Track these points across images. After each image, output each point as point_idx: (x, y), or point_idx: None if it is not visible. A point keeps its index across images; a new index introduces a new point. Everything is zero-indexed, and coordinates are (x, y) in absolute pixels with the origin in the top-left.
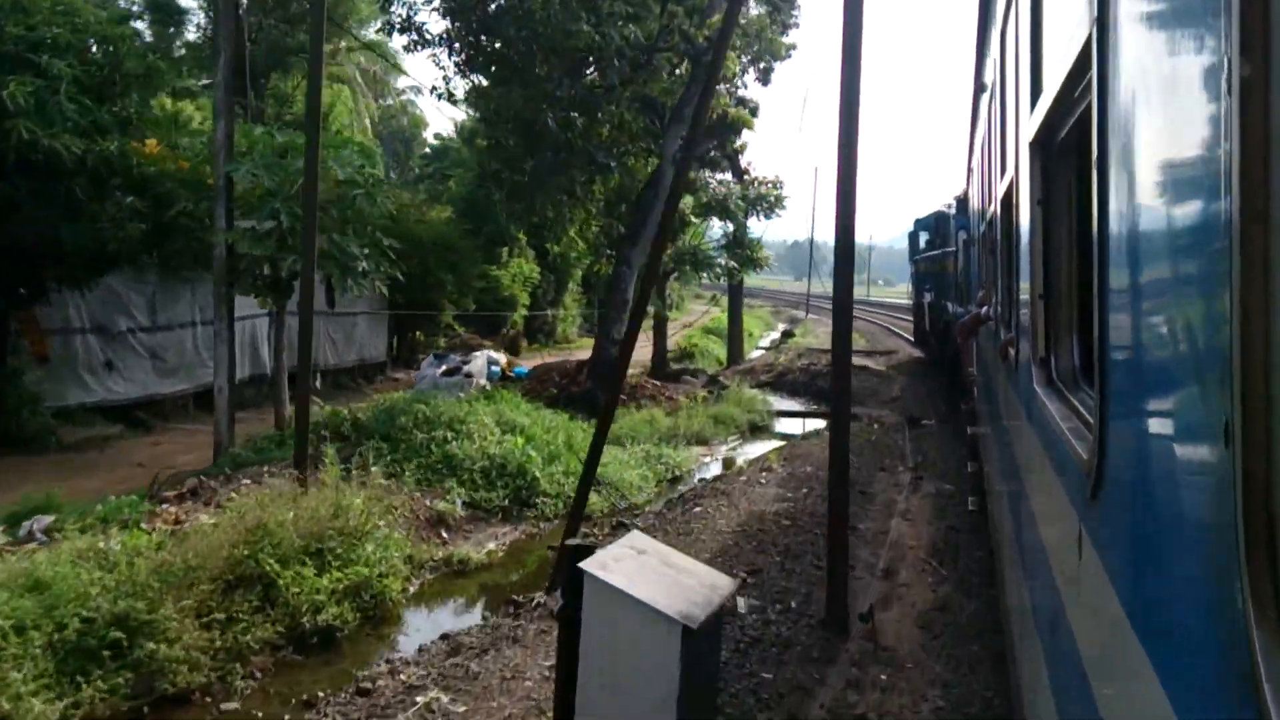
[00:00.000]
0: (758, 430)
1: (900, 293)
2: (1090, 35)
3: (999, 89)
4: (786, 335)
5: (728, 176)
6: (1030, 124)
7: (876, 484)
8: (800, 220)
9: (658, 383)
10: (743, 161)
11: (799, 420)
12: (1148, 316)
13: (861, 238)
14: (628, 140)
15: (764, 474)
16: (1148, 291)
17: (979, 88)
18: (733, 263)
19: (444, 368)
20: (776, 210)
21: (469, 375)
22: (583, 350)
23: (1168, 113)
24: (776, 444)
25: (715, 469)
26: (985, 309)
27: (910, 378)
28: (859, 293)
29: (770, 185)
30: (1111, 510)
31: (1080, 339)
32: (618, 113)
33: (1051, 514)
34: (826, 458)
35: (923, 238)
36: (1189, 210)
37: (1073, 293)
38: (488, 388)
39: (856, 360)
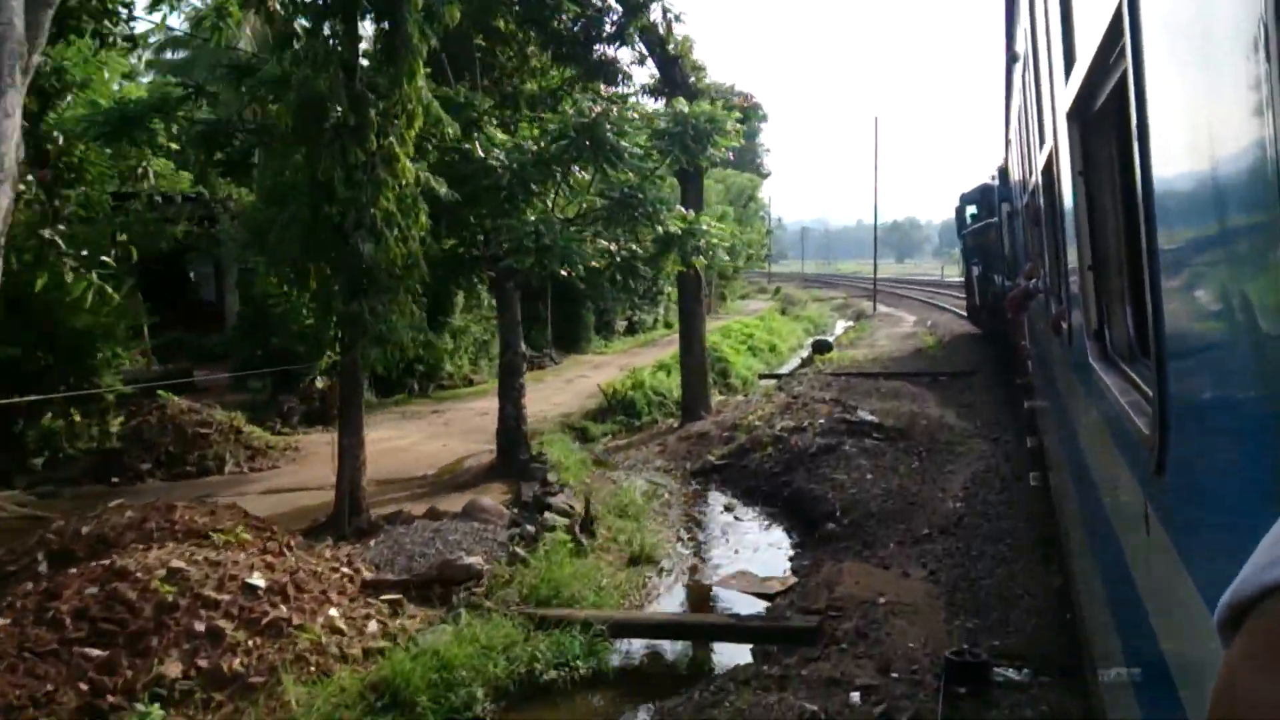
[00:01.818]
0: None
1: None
2: (1122, 1)
3: (1031, 59)
4: (821, 349)
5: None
6: (1066, 94)
7: None
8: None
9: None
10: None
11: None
12: (1201, 285)
13: (921, 214)
14: None
15: None
16: (1199, 259)
17: (1011, 57)
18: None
19: None
20: (729, 145)
21: None
22: (479, 399)
23: (1205, 77)
24: None
25: None
26: (1034, 281)
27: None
28: (911, 270)
29: (732, 101)
30: (1178, 485)
31: (1133, 310)
32: None
33: (1115, 490)
34: None
35: (969, 211)
36: (1234, 175)
37: (1122, 264)
38: None
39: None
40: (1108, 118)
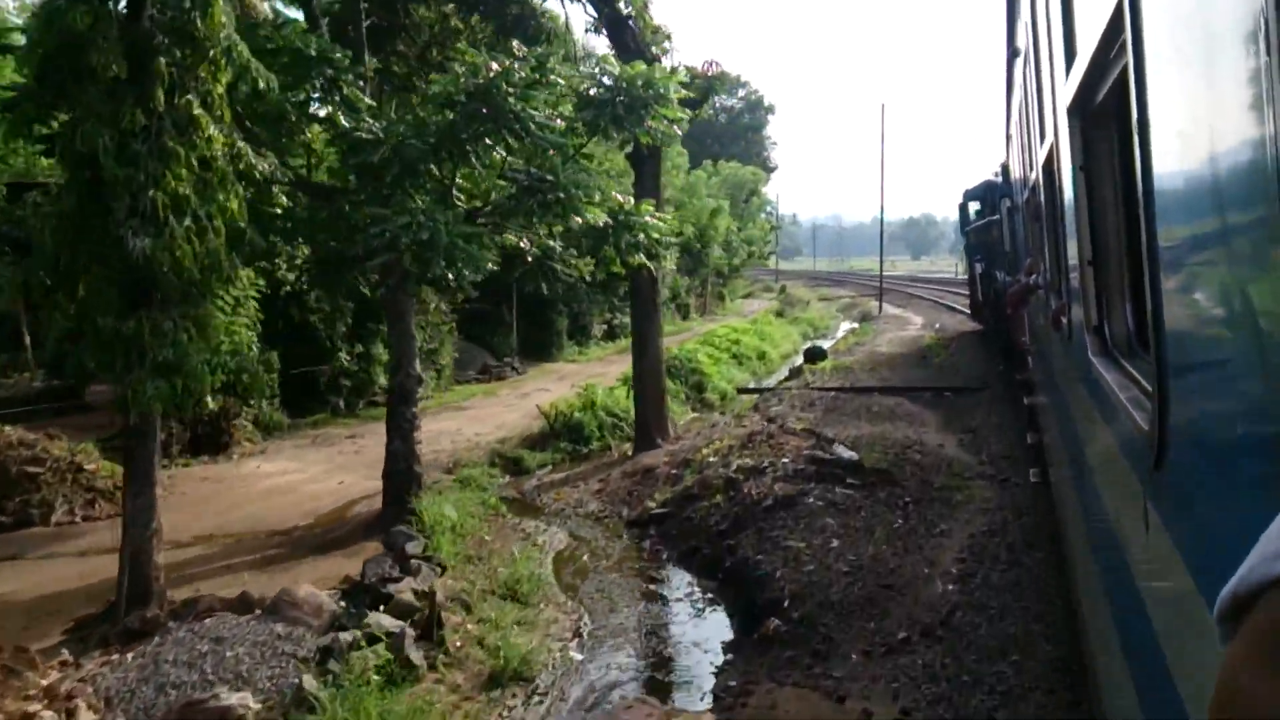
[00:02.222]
0: None
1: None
2: None
3: (1032, 53)
4: (813, 357)
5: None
6: (1067, 89)
7: None
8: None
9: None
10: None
11: None
12: (1201, 280)
13: (923, 211)
14: None
15: None
16: (1199, 254)
17: (1012, 52)
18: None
19: None
20: (674, 119)
21: None
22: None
23: (1205, 72)
24: None
25: None
26: (1034, 277)
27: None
28: (919, 267)
29: (691, 73)
30: (1177, 480)
31: (1133, 305)
32: None
33: (1115, 485)
34: None
35: (972, 208)
36: (1234, 170)
37: (1122, 259)
38: None
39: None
40: (1108, 113)
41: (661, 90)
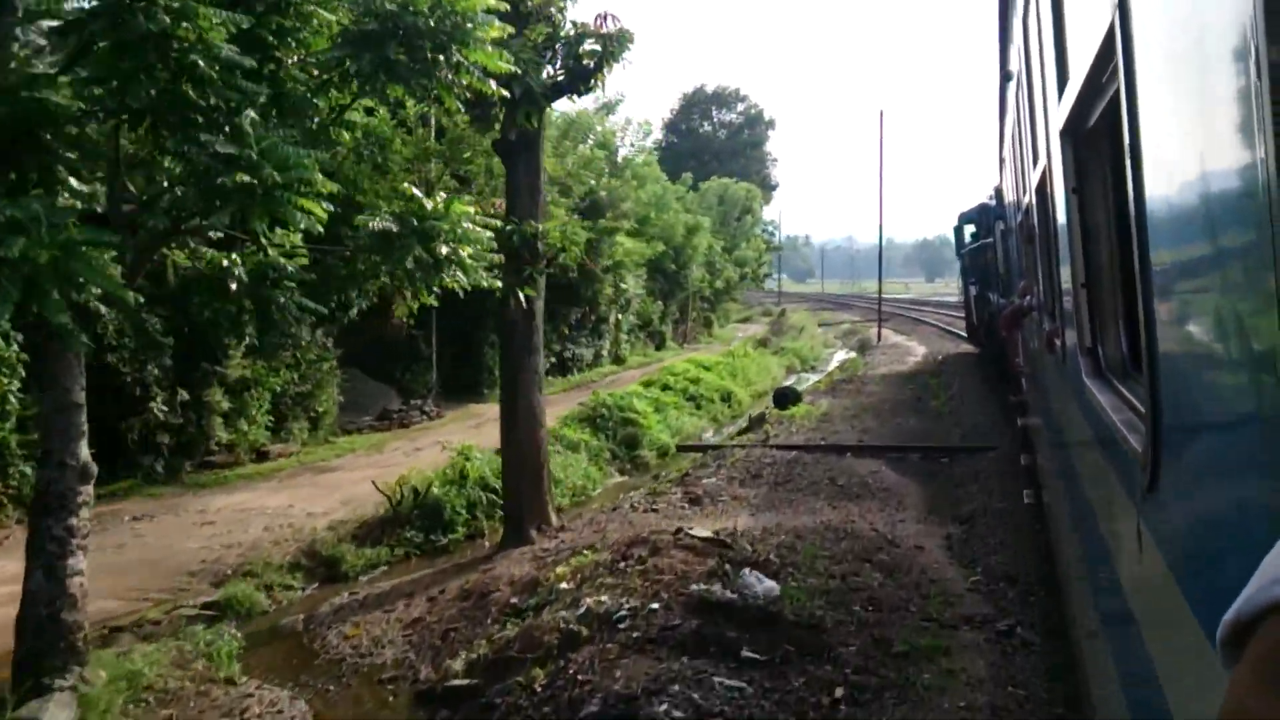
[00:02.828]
0: None
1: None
2: (1114, 20)
3: (1025, 77)
4: (784, 401)
5: None
6: (1059, 112)
7: None
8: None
9: None
10: None
11: None
12: (1194, 303)
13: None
14: None
15: None
16: (1192, 277)
17: (1004, 76)
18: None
19: None
20: (591, 85)
21: None
22: (262, 485)
23: (1197, 96)
24: None
25: None
26: (1028, 299)
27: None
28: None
29: (580, 30)
30: (1170, 503)
31: (1127, 328)
32: None
33: (1108, 507)
34: None
35: (968, 231)
36: (1226, 192)
37: (1115, 281)
38: None
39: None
40: (1101, 135)
41: (467, 24)
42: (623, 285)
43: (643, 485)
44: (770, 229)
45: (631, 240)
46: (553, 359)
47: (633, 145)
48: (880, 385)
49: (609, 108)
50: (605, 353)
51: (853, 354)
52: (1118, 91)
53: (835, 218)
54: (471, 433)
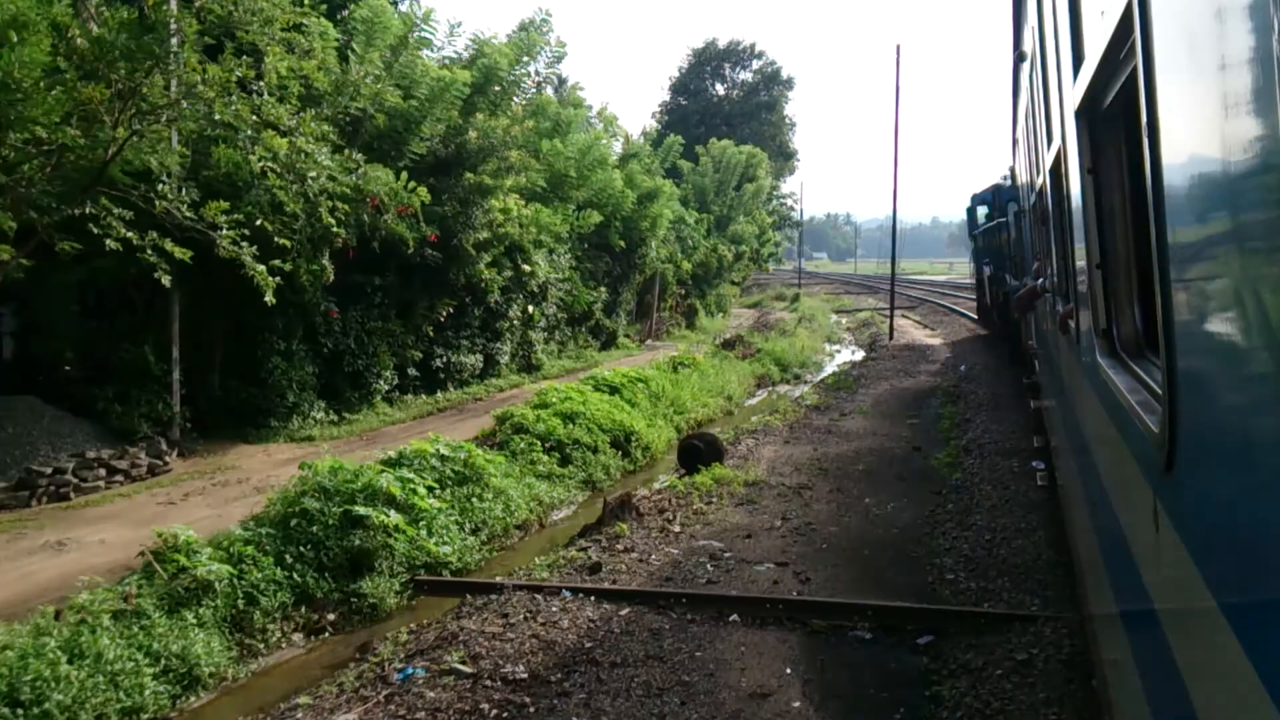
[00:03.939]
0: None
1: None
2: None
3: (1039, 57)
4: (691, 457)
5: None
6: (1074, 92)
7: None
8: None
9: None
10: None
11: None
12: (1210, 283)
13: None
14: None
15: None
16: (1208, 257)
17: (1018, 56)
18: None
19: None
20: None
21: None
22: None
23: (1215, 75)
24: None
25: None
26: (1041, 281)
27: None
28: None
29: None
30: (1188, 483)
31: (1141, 308)
32: None
33: (1124, 488)
34: None
35: (980, 212)
36: (1244, 172)
37: (1130, 262)
38: None
39: None
40: (1117, 115)
41: None
42: (526, 267)
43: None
44: (787, 201)
45: (542, 208)
46: (412, 370)
47: (538, 74)
48: (868, 417)
49: None
50: (507, 359)
51: (860, 352)
52: (1134, 70)
53: (877, 196)
54: (209, 500)
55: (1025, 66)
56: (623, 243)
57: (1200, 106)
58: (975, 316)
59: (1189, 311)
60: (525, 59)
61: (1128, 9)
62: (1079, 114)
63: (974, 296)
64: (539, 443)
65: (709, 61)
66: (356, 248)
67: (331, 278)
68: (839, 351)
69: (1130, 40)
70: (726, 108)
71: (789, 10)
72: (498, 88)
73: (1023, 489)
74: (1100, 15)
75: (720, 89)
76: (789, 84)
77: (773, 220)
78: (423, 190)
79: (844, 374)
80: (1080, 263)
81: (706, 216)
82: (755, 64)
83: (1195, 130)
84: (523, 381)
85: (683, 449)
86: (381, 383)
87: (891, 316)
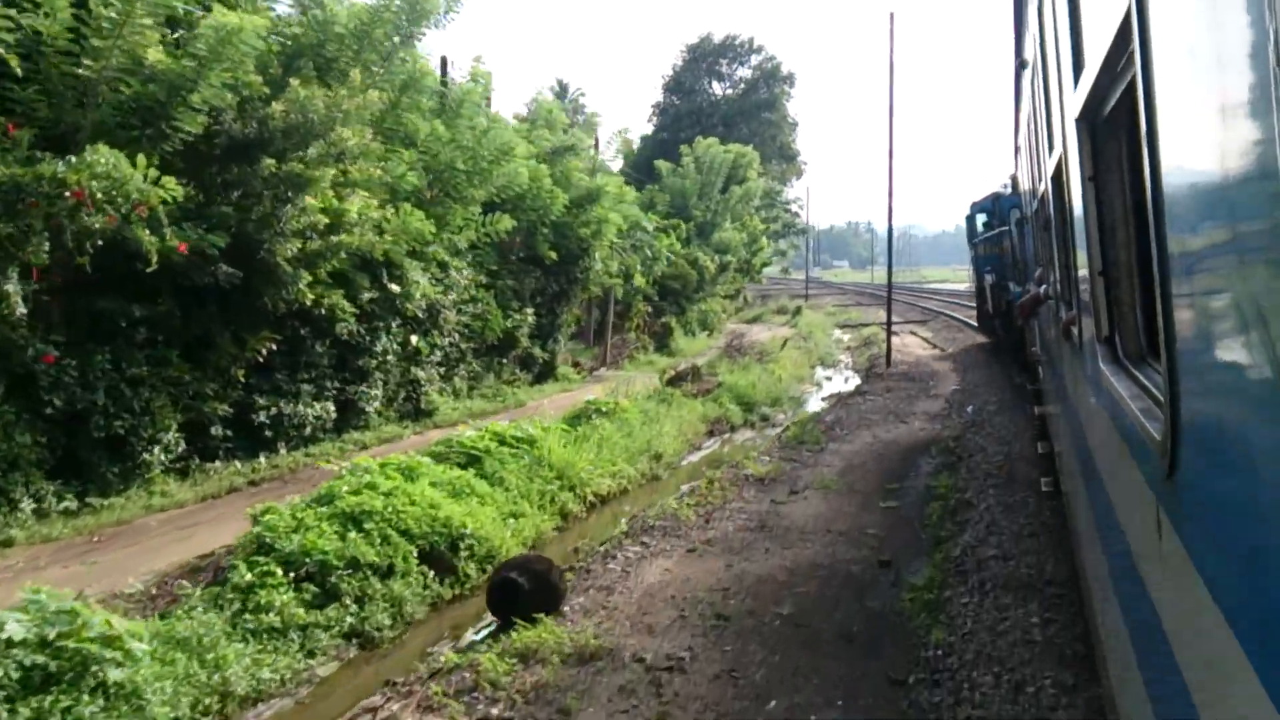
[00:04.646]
0: None
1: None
2: (1130, 6)
3: (1040, 65)
4: (517, 603)
5: None
6: (1075, 100)
7: None
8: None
9: None
10: None
11: None
12: (1212, 289)
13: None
14: None
15: None
16: (1210, 263)
17: (1020, 64)
18: None
19: None
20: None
21: None
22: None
23: (1215, 82)
24: None
25: None
26: (1044, 288)
27: None
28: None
29: None
30: (1190, 490)
31: (1144, 315)
32: None
33: (1127, 494)
34: None
35: (980, 220)
36: (1244, 179)
37: (1132, 269)
38: None
39: None
40: (1117, 123)
41: None
42: (395, 287)
43: None
44: (792, 207)
45: (413, 211)
46: (217, 429)
47: (406, 31)
48: (829, 494)
49: None
50: (378, 404)
51: (855, 379)
52: (1134, 78)
53: (899, 204)
54: None
55: (1026, 74)
56: (554, 254)
57: (1200, 114)
58: (976, 324)
59: (1190, 318)
60: (384, 11)
61: (1127, 16)
62: (1080, 121)
63: (989, 307)
64: (280, 572)
65: (705, 58)
66: (100, 266)
67: (22, 308)
68: (829, 379)
69: (1130, 48)
70: (724, 106)
71: (810, 18)
72: (334, 48)
73: (1047, 680)
74: (1100, 23)
75: (717, 87)
76: (789, 80)
77: (767, 227)
78: (170, 181)
79: (815, 419)
80: (1082, 270)
81: (683, 224)
82: (754, 59)
83: (1195, 137)
84: (403, 432)
85: (494, 588)
86: (158, 450)
87: (889, 339)
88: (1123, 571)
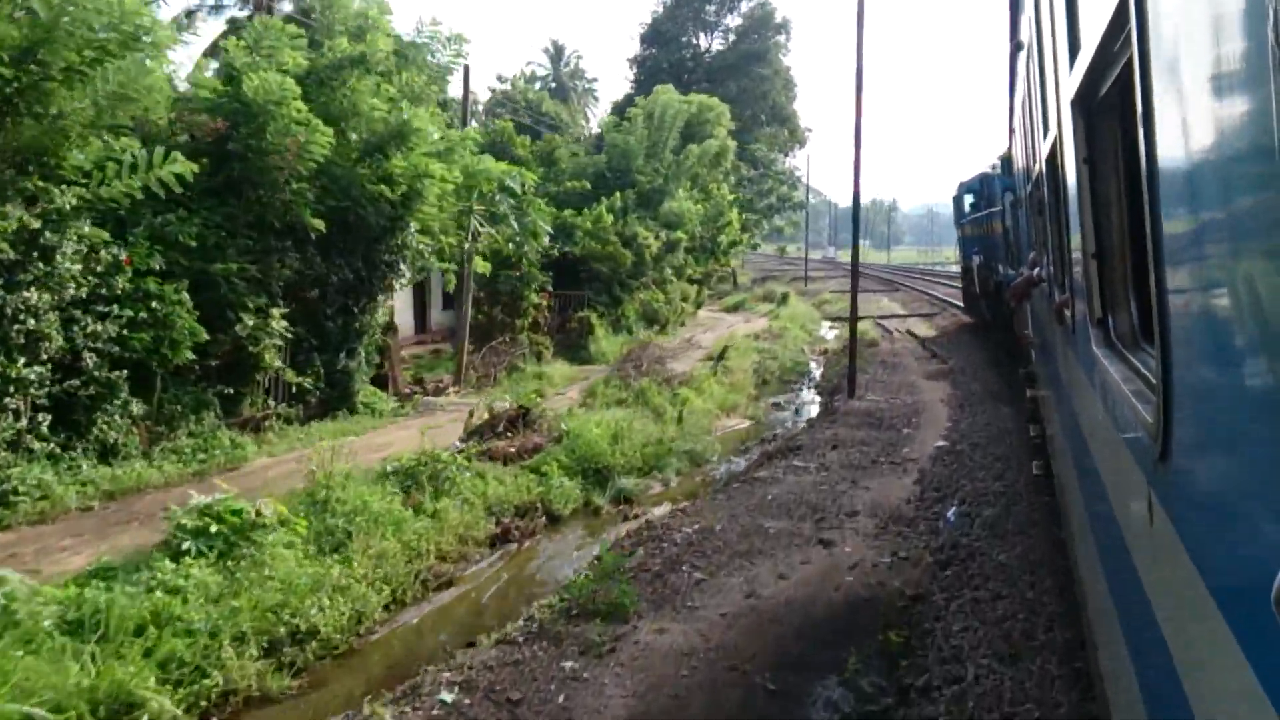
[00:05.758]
0: None
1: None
2: None
3: (1036, 47)
4: None
5: None
6: (1070, 82)
7: None
8: (933, 184)
9: None
10: None
11: None
12: (1205, 272)
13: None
14: None
15: None
16: (1203, 246)
17: (1015, 46)
18: None
19: None
20: None
21: None
22: None
23: (1211, 65)
24: None
25: None
26: (1037, 270)
27: None
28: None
29: None
30: (1181, 472)
31: (1137, 298)
32: None
33: (1119, 478)
34: None
35: (968, 201)
36: (1239, 161)
37: (1126, 252)
38: None
39: None
40: (1112, 105)
41: None
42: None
43: None
44: (786, 179)
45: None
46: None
47: None
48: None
49: None
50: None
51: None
52: (1130, 60)
53: (922, 182)
54: None
55: (1022, 56)
56: (320, 223)
57: (1196, 97)
58: (963, 305)
59: (1184, 301)
60: None
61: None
62: (1075, 104)
63: (976, 289)
64: None
65: (688, 2)
66: None
67: None
68: (776, 413)
69: (1126, 30)
70: (709, 60)
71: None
72: None
73: None
74: (1096, 5)
75: (704, 40)
76: (783, 28)
77: (742, 198)
78: None
79: (649, 534)
80: (1076, 253)
81: (620, 193)
82: (745, 5)
83: (1190, 120)
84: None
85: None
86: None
87: (853, 358)
88: (1113, 554)
